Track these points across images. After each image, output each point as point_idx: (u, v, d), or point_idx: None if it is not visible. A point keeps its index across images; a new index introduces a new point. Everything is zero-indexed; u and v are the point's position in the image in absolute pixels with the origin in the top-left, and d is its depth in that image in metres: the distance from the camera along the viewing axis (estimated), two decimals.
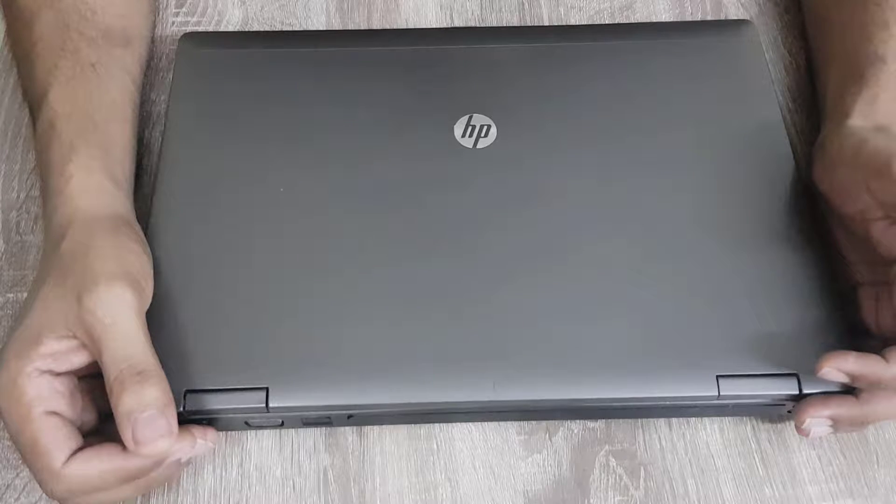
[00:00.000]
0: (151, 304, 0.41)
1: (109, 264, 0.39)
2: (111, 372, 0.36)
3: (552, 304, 0.42)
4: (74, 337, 0.37)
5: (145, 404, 0.36)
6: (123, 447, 0.36)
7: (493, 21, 0.56)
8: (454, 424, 0.43)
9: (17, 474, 0.42)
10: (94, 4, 0.47)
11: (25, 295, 0.42)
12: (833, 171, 0.44)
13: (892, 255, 0.41)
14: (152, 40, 0.53)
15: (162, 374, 0.37)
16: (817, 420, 0.40)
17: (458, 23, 0.56)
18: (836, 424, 0.40)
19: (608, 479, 0.42)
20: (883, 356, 0.38)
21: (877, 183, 0.40)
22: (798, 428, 0.41)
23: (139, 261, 0.40)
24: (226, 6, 0.56)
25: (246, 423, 0.42)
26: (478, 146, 0.46)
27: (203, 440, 0.40)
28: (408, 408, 0.41)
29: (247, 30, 0.55)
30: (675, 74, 0.49)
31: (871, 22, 0.46)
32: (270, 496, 0.42)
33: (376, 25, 0.56)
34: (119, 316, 0.37)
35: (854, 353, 0.38)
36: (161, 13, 0.56)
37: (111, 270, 0.38)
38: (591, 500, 0.42)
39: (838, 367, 0.38)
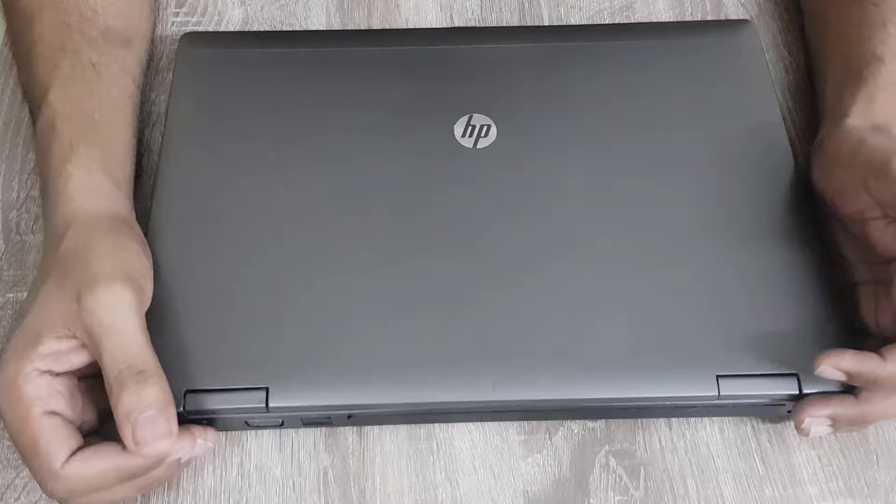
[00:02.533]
0: (152, 304, 0.41)
1: (108, 264, 0.39)
2: (110, 372, 0.36)
3: (552, 303, 0.42)
4: (74, 337, 0.37)
5: (145, 404, 0.36)
6: (123, 446, 0.36)
7: (493, 21, 0.56)
8: (454, 424, 0.43)
9: (18, 474, 0.42)
10: (95, 4, 0.48)
11: (25, 295, 0.42)
12: (831, 170, 0.44)
13: (890, 254, 0.41)
14: (152, 40, 0.53)
15: (162, 373, 0.37)
16: (817, 420, 0.40)
17: (458, 23, 0.56)
18: (836, 424, 0.40)
19: (608, 479, 0.42)
20: (880, 354, 0.38)
21: (875, 182, 0.40)
22: (797, 428, 0.41)
23: (138, 261, 0.40)
24: (226, 6, 0.56)
25: (246, 423, 0.42)
26: (478, 146, 0.46)
27: (203, 440, 0.40)
28: (408, 408, 0.41)
29: (247, 30, 0.55)
30: (675, 74, 0.49)
31: (869, 21, 0.46)
32: (270, 496, 0.42)
33: (376, 25, 0.56)
34: (118, 316, 0.37)
35: (851, 351, 0.38)
36: (161, 13, 0.56)
37: (110, 270, 0.38)
38: (591, 500, 0.42)
39: (835, 364, 0.38)
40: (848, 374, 0.39)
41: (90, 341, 0.37)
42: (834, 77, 0.47)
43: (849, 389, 0.40)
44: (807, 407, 0.40)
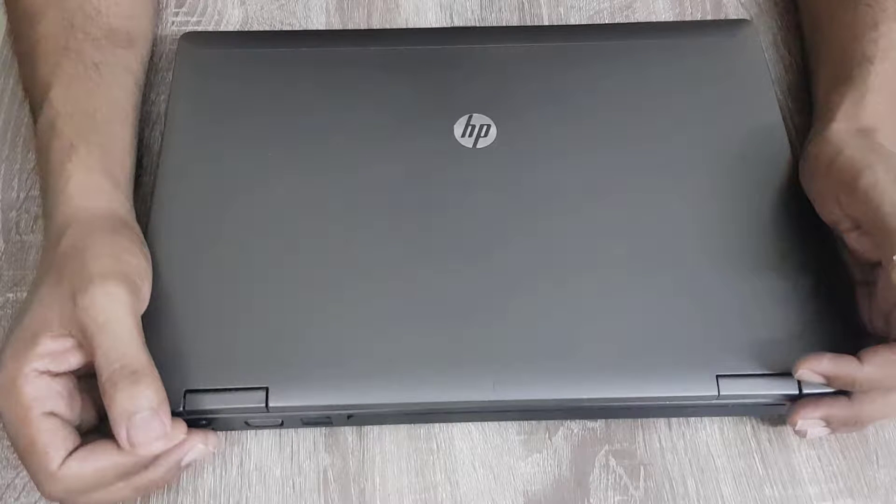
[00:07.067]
0: (151, 304, 0.41)
1: (105, 263, 0.38)
2: (104, 371, 0.36)
3: (552, 303, 0.42)
4: (70, 336, 0.37)
5: (139, 405, 0.36)
6: (118, 444, 0.36)
7: (493, 21, 0.56)
8: (454, 424, 0.43)
9: (18, 474, 0.42)
10: (98, 4, 0.48)
11: (25, 295, 0.42)
12: (811, 178, 0.44)
13: (869, 260, 0.41)
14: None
15: (156, 373, 0.37)
16: (810, 421, 0.40)
17: (458, 23, 0.56)
18: (831, 425, 0.40)
19: (608, 479, 0.42)
20: (858, 357, 0.38)
21: (845, 197, 0.40)
22: (793, 429, 0.41)
23: (136, 261, 0.40)
24: (226, 6, 0.56)
25: (246, 422, 0.42)
26: (478, 146, 0.46)
27: (204, 444, 0.39)
28: (408, 408, 0.41)
29: (247, 30, 0.55)
30: (675, 74, 0.49)
31: (861, 22, 0.46)
32: (270, 496, 0.42)
33: (376, 25, 0.56)
34: (112, 315, 0.37)
35: (829, 355, 0.39)
36: (161, 13, 0.56)
37: (106, 270, 0.38)
38: (591, 500, 0.42)
39: (813, 368, 0.39)
40: (826, 377, 0.39)
41: (85, 340, 0.37)
42: (825, 77, 0.47)
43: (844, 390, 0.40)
44: (799, 409, 0.40)
